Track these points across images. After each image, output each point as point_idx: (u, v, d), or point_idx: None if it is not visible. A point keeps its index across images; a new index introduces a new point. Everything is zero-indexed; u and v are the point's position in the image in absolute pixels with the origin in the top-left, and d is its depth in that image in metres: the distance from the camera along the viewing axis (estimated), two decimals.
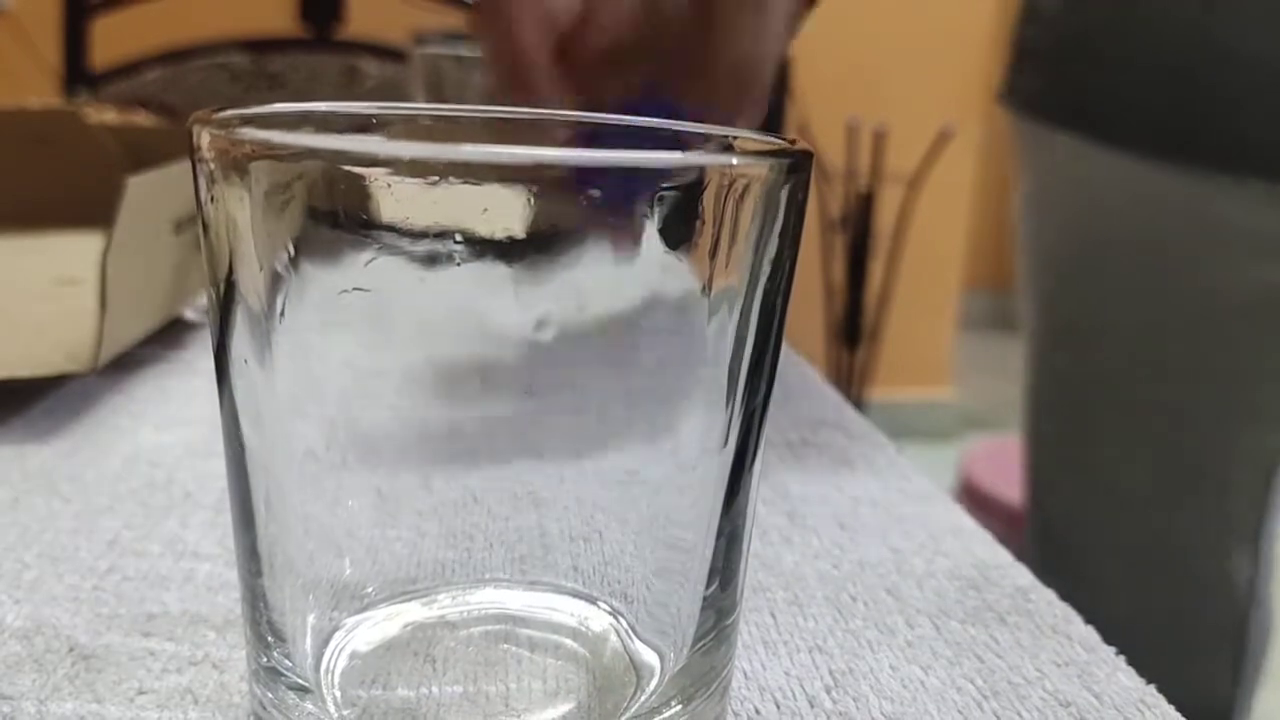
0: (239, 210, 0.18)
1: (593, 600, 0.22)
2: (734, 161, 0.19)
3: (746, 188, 0.18)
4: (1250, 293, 0.52)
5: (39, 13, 1.50)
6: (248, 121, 0.20)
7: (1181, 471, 0.55)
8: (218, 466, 0.33)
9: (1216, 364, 0.54)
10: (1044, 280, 0.60)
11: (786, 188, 0.19)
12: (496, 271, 0.18)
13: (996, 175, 2.45)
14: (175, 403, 0.40)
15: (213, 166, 0.18)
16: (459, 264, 0.17)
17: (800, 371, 0.49)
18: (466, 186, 0.17)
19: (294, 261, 0.18)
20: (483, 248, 0.17)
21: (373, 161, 0.17)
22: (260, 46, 1.16)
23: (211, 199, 0.18)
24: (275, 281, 0.18)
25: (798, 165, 0.19)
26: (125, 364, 0.43)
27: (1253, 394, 0.54)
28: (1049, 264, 0.59)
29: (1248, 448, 0.55)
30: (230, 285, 0.19)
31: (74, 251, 0.44)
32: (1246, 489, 0.55)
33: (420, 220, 0.17)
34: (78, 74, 1.06)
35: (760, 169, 0.18)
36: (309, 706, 0.20)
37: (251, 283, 0.18)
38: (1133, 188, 0.52)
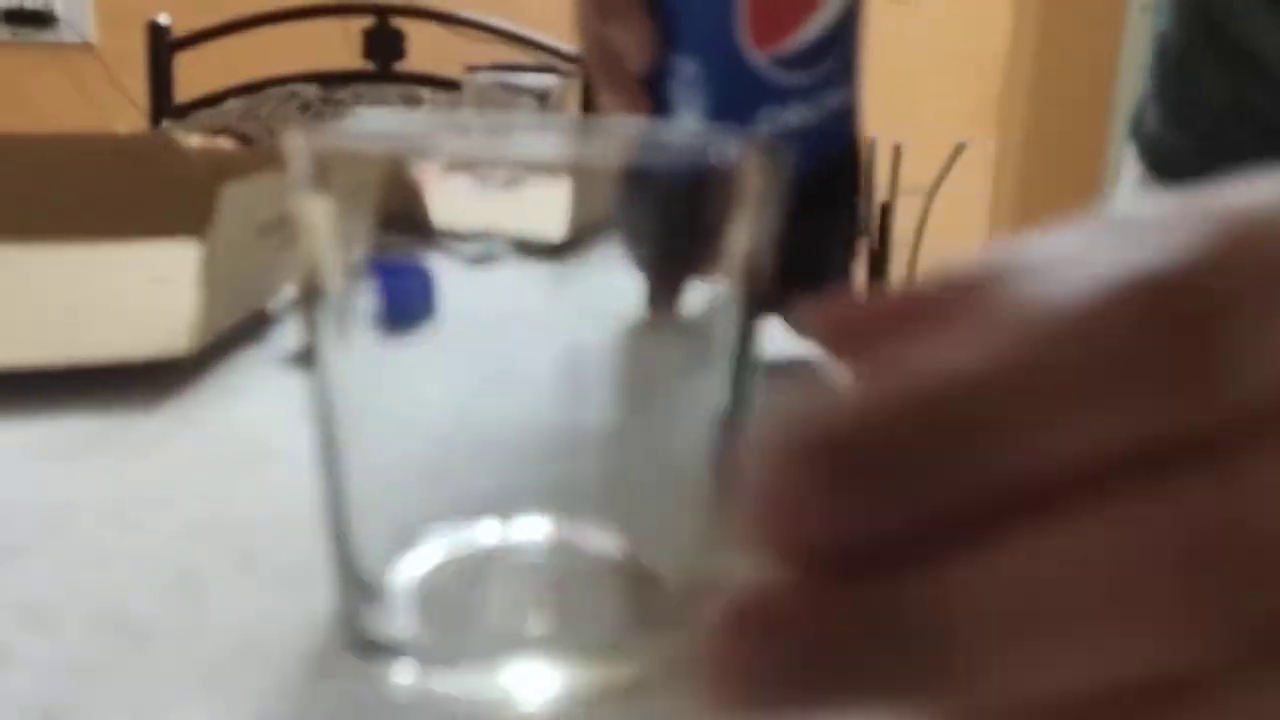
0: (321, 211, 0.21)
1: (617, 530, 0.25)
2: (713, 158, 0.21)
3: (728, 182, 0.21)
4: None
5: (125, 49, 1.58)
6: (329, 134, 0.23)
7: None
8: (307, 435, 0.37)
9: None
10: None
11: (763, 178, 0.21)
12: (542, 271, 0.20)
13: (1009, 186, 2.51)
14: (263, 388, 0.43)
15: (299, 172, 0.21)
16: (507, 263, 0.20)
17: (823, 379, 0.51)
18: (521, 188, 0.19)
19: (367, 259, 0.21)
20: (532, 248, 0.20)
21: (437, 160, 0.20)
22: (328, 79, 1.21)
23: (299, 202, 0.21)
24: (352, 277, 0.21)
25: (770, 155, 0.21)
26: (215, 353, 0.46)
27: None
28: None
29: None
30: (315, 281, 0.21)
31: (166, 257, 0.48)
32: None
33: (475, 221, 0.20)
34: (163, 105, 1.11)
35: (739, 163, 0.21)
36: (379, 613, 0.23)
37: (332, 278, 0.21)
38: None
